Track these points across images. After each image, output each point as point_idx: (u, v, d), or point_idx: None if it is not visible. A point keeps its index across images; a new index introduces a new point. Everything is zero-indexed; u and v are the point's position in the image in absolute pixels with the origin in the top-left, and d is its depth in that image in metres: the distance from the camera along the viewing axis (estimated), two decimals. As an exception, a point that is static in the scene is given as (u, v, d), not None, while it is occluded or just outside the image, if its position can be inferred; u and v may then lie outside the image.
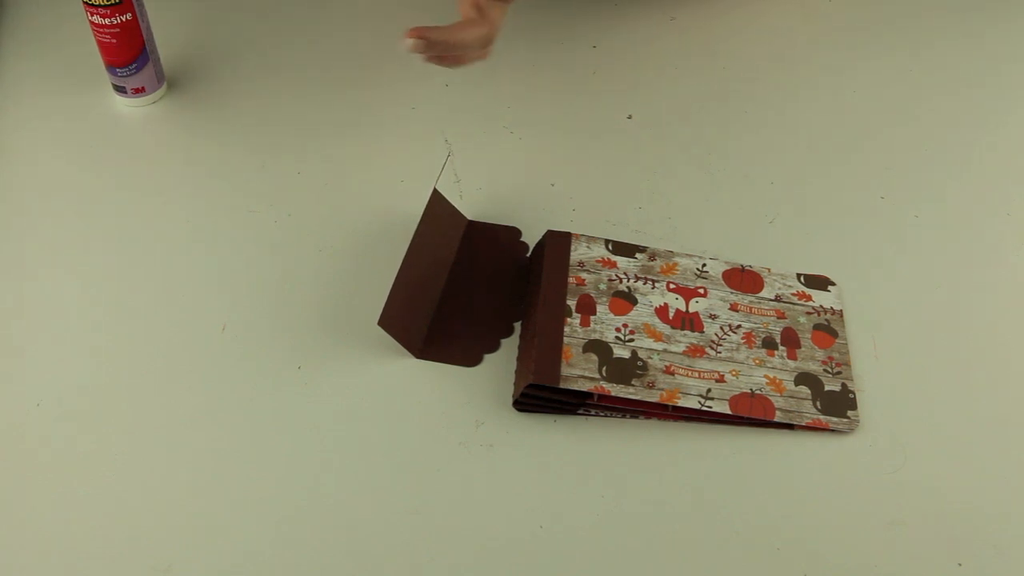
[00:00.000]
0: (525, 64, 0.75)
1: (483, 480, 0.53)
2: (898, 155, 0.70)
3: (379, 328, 0.55)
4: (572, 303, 0.58)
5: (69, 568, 0.49)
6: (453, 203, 0.63)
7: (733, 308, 0.59)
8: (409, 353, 0.57)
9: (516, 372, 0.56)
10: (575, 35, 0.78)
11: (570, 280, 0.59)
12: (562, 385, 0.54)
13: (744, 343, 0.58)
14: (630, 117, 0.67)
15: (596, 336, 0.57)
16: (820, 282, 0.61)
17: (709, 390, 0.55)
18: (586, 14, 0.79)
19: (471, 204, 0.65)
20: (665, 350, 0.57)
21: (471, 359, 0.58)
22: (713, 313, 0.59)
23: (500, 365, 0.57)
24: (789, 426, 0.55)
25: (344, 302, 0.60)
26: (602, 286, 0.59)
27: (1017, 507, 0.52)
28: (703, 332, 0.58)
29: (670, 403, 0.54)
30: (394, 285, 0.56)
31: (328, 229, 0.64)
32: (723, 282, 0.61)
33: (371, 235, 0.64)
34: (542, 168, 0.68)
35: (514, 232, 0.64)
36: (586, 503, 0.52)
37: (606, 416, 0.55)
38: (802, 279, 0.61)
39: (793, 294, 0.61)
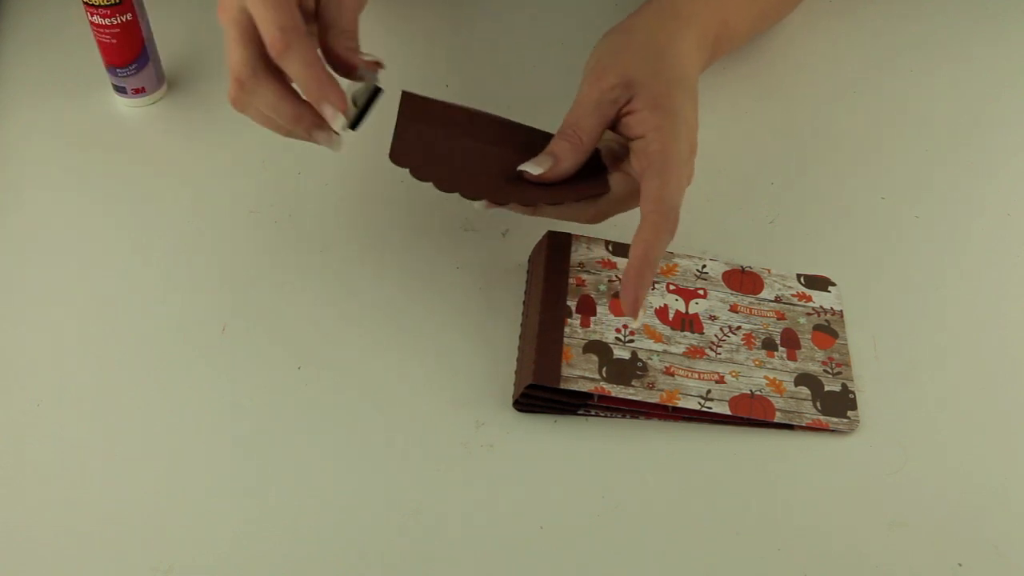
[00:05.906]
0: (526, 64, 0.75)
1: (483, 480, 0.53)
2: (898, 155, 0.70)
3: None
4: (572, 304, 0.58)
5: (69, 568, 0.49)
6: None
7: (733, 309, 0.59)
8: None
9: (516, 372, 0.56)
10: (576, 36, 0.78)
11: (570, 281, 0.59)
12: (562, 386, 0.54)
13: (744, 344, 0.58)
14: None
15: (596, 337, 0.57)
16: (820, 283, 0.61)
17: (709, 391, 0.55)
18: (586, 15, 0.78)
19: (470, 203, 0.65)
20: (665, 351, 0.57)
21: None
22: (713, 314, 0.59)
23: (500, 365, 0.57)
24: (789, 426, 0.55)
25: (344, 302, 0.60)
26: (602, 287, 0.59)
27: (1017, 507, 0.52)
28: (703, 333, 0.58)
29: (670, 404, 0.54)
30: None
31: (328, 229, 0.64)
32: (723, 283, 0.61)
33: (372, 235, 0.64)
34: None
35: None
36: (586, 503, 0.52)
37: (606, 417, 0.55)
38: (802, 280, 0.61)
39: (793, 295, 0.61)
